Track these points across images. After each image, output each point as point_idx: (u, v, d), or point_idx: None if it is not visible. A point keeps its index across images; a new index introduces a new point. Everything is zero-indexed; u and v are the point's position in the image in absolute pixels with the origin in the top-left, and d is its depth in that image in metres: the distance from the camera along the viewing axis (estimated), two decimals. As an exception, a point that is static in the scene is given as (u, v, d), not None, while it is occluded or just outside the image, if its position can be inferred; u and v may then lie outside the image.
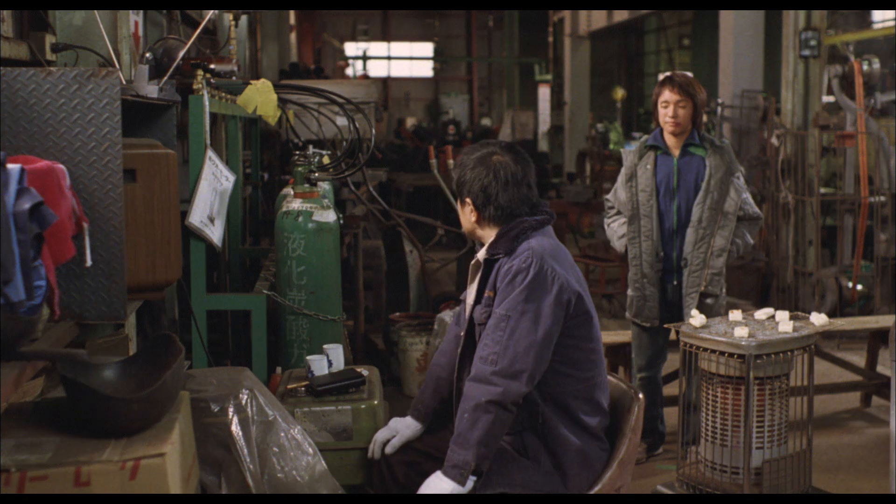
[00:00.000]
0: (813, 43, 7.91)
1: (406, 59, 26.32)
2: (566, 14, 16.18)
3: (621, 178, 4.87)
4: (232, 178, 4.16)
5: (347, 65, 22.91)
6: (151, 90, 3.04)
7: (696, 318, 3.79)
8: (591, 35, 16.01)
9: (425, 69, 26.85)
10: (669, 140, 4.77)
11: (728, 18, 9.54)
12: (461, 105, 25.46)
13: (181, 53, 3.17)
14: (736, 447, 3.66)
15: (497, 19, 24.74)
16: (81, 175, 2.42)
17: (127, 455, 2.09)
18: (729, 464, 3.68)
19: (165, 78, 3.07)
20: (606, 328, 7.81)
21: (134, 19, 4.72)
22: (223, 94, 4.56)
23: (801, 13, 7.93)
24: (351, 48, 25.51)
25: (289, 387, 3.41)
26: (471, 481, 2.82)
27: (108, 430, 2.17)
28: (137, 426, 2.19)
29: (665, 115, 4.72)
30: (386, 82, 26.82)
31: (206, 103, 3.97)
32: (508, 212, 2.95)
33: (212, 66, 4.99)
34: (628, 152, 4.91)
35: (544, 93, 16.12)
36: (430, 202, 12.46)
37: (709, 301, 4.67)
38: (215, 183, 4.01)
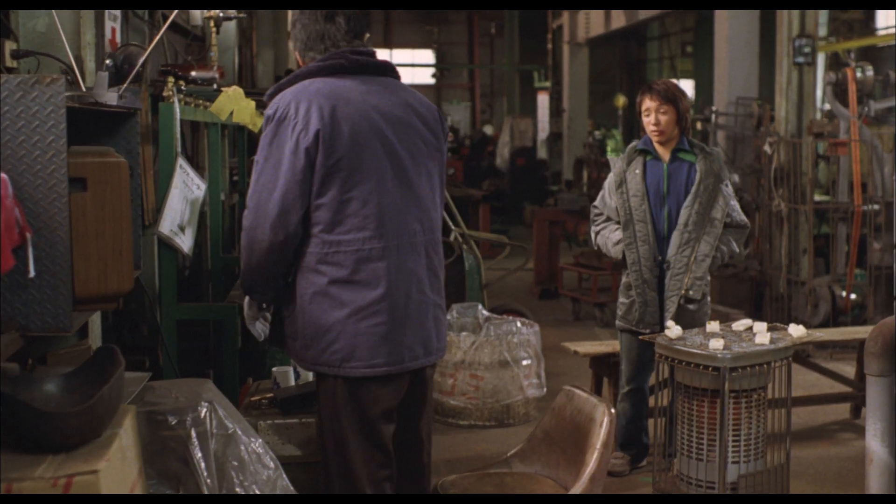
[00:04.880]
0: (807, 50, 7.83)
1: (405, 65, 26.27)
2: (564, 21, 16.14)
3: (610, 184, 4.80)
4: (203, 186, 4.12)
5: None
6: (111, 97, 2.99)
7: (673, 329, 3.73)
8: (593, 42, 15.96)
9: (426, 76, 26.80)
10: (658, 147, 4.72)
11: (723, 25, 9.48)
12: (463, 112, 25.39)
13: (141, 60, 3.12)
14: (711, 461, 3.59)
15: (499, 26, 24.70)
16: (26, 184, 2.37)
17: (61, 472, 2.04)
18: (704, 478, 3.61)
19: (125, 85, 3.02)
20: (598, 337, 7.73)
21: (111, 25, 4.68)
22: (201, 102, 4.51)
23: (795, 20, 7.85)
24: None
25: (252, 399, 3.36)
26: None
27: (44, 446, 2.12)
28: (75, 441, 2.14)
29: (648, 122, 4.68)
30: (388, 89, 26.74)
31: (177, 110, 3.93)
32: (307, 46, 2.93)
33: (192, 73, 4.95)
34: (616, 159, 4.86)
35: (543, 100, 16.06)
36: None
37: (691, 307, 4.59)
38: (186, 191, 3.96)
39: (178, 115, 3.90)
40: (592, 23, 14.67)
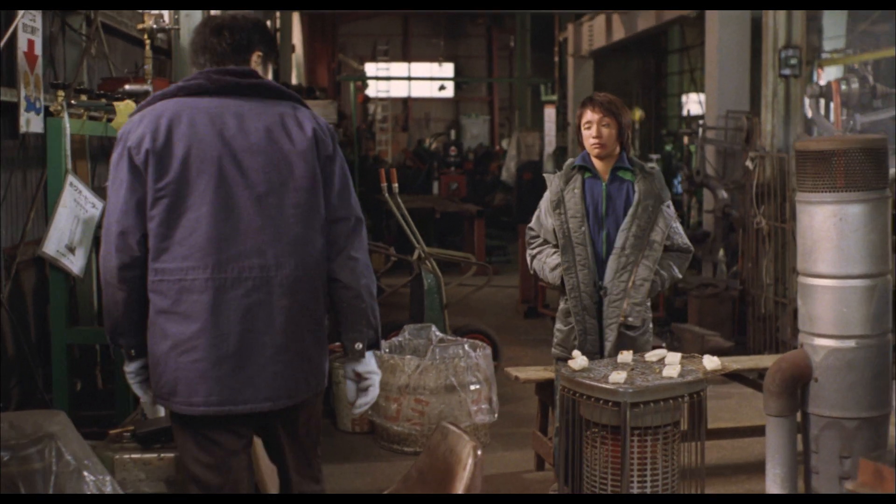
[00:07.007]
0: (793, 61, 7.52)
1: (423, 79, 26.13)
2: (569, 34, 15.90)
3: (546, 204, 4.56)
4: (100, 204, 3.94)
5: (363, 86, 22.78)
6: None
7: (577, 360, 3.48)
8: (602, 55, 15.70)
9: (444, 91, 26.67)
10: (598, 164, 4.48)
11: (713, 37, 9.19)
12: (482, 126, 25.18)
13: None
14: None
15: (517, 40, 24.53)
16: None
17: None
18: (609, 520, 3.36)
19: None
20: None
21: (28, 38, 4.53)
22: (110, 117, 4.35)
23: (781, 30, 7.54)
24: (371, 69, 25.43)
25: (112, 431, 3.17)
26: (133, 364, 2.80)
27: None
28: None
29: (588, 136, 4.44)
30: (406, 102, 26.70)
31: (67, 126, 3.76)
32: (192, 58, 2.84)
33: (126, 87, 4.79)
34: (553, 177, 4.63)
35: (550, 113, 15.80)
36: (420, 225, 12.18)
37: (630, 333, 4.34)
38: (78, 210, 3.79)
39: (67, 131, 3.74)
40: (595, 35, 14.42)
